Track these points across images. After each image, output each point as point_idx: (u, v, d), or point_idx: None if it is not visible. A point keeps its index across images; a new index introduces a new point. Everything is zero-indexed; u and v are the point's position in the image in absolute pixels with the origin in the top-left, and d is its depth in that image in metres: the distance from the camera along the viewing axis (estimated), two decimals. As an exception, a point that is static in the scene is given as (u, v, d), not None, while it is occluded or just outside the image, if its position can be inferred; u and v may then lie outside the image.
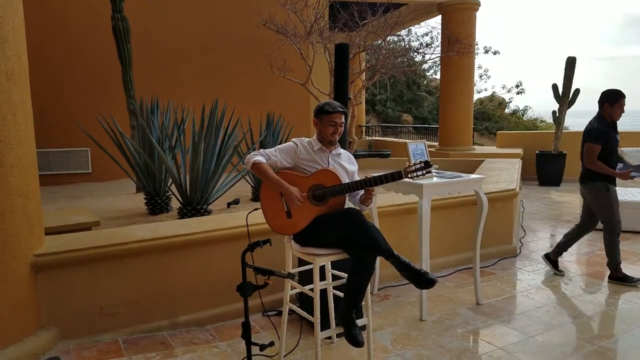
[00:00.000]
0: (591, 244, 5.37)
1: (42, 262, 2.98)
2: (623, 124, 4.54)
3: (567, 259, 4.85)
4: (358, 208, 2.77)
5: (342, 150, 2.89)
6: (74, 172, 8.93)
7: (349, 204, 2.77)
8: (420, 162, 2.59)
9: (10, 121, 2.81)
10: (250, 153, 2.76)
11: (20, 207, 2.88)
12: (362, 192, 2.76)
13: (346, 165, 2.84)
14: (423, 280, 2.53)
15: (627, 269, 4.45)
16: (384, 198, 4.32)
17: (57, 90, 8.64)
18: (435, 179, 3.52)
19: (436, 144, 11.52)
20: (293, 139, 2.82)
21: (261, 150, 2.74)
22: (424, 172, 2.58)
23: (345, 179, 2.73)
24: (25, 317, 2.92)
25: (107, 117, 6.17)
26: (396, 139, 15.93)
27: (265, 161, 2.68)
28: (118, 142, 5.80)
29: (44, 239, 3.17)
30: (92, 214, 4.69)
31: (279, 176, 2.66)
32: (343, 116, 2.78)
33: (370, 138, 16.72)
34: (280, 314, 3.43)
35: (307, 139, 2.84)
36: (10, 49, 2.82)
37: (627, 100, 4.07)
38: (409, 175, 2.60)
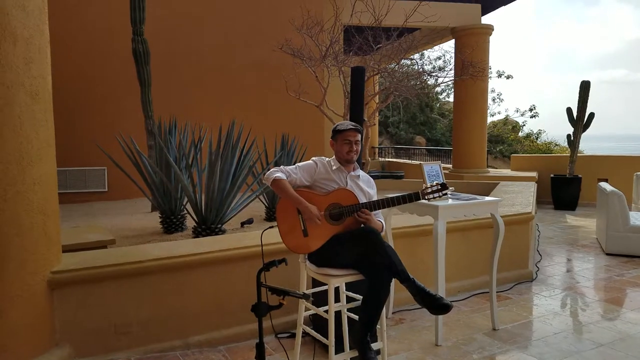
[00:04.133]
0: (609, 270, 5.27)
1: (59, 279, 3.00)
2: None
3: (585, 285, 4.76)
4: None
5: (361, 172, 2.88)
6: (90, 190, 9.04)
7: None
8: (437, 184, 2.60)
9: (33, 139, 2.87)
10: (269, 170, 2.76)
11: (39, 224, 2.92)
12: (378, 212, 2.75)
13: (364, 187, 2.83)
14: (437, 306, 2.50)
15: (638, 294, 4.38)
16: (399, 219, 4.30)
17: (76, 110, 8.80)
18: (450, 201, 3.51)
19: (450, 165, 11.48)
20: (313, 158, 2.83)
21: (281, 167, 2.74)
22: (441, 194, 2.58)
23: (362, 200, 2.73)
24: (40, 334, 2.93)
25: (126, 137, 6.27)
26: (409, 161, 15.92)
27: (285, 178, 2.68)
28: (135, 161, 5.87)
29: (61, 257, 3.20)
30: (108, 232, 4.72)
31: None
32: (358, 134, 2.78)
33: (383, 159, 16.74)
34: (292, 336, 3.41)
35: (327, 158, 2.85)
36: (36, 69, 2.90)
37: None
38: (426, 197, 2.60)
